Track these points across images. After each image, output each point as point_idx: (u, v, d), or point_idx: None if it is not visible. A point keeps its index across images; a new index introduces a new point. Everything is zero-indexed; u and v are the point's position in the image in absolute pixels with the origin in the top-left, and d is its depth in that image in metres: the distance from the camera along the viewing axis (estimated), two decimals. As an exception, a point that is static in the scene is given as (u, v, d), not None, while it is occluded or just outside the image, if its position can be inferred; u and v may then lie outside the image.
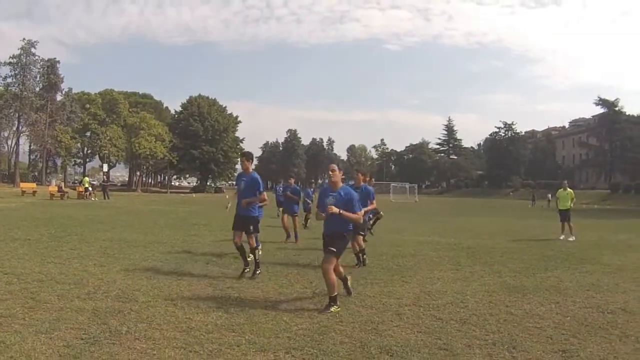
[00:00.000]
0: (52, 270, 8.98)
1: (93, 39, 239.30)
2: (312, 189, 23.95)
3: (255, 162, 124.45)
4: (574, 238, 17.59)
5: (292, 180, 17.52)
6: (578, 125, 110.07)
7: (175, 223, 20.04)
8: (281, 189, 17.96)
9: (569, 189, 19.14)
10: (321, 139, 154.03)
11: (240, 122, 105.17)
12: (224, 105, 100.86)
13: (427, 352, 5.23)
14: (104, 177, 57.58)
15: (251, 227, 9.49)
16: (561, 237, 17.84)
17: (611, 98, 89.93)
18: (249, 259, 9.42)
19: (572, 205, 18.84)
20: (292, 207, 15.95)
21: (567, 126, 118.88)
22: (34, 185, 49.39)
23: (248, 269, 9.26)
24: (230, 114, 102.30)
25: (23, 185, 49.77)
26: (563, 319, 6.80)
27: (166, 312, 6.48)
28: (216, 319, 6.24)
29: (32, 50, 69.73)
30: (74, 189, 47.78)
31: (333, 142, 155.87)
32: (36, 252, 10.90)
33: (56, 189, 41.10)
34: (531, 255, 13.23)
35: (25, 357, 4.61)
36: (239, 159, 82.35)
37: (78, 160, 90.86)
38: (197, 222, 21.05)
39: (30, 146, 76.11)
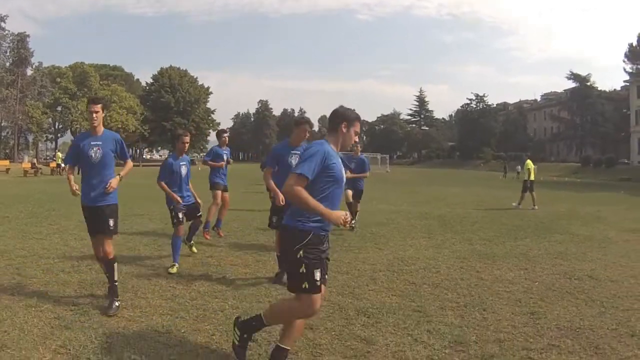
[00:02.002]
0: (34, 245, 9.09)
1: (63, 11, 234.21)
2: None
3: (226, 133, 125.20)
4: (516, 204, 19.24)
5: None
6: (550, 99, 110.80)
7: (151, 195, 20.02)
8: None
9: (530, 161, 20.38)
10: (292, 110, 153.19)
11: (211, 93, 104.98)
12: (195, 77, 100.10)
13: (402, 314, 5.55)
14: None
15: None
16: (535, 207, 18.68)
17: (583, 73, 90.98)
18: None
19: (533, 176, 20.23)
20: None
21: (539, 99, 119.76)
22: (7, 162, 48.57)
23: None
24: (202, 85, 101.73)
25: (-4, 163, 48.97)
26: (532, 284, 7.17)
27: (150, 282, 6.70)
28: (199, 287, 6.50)
29: (2, 24, 68.28)
30: (47, 165, 47.22)
31: (305, 112, 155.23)
32: (16, 229, 10.95)
33: (29, 165, 40.66)
34: (501, 224, 13.66)
35: (18, 330, 4.77)
36: (210, 131, 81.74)
37: (50, 136, 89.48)
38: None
39: (0, 123, 74.73)
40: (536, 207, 18.67)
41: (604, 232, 12.78)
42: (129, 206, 14.77)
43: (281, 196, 6.36)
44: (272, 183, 6.78)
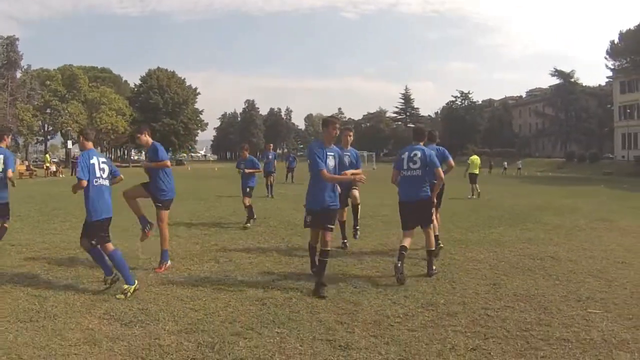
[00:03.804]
0: (53, 239, 10.00)
1: (47, 12, 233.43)
2: (272, 153, 21.83)
3: (213, 133, 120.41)
4: (476, 197, 21.34)
5: (246, 152, 13.70)
6: (534, 95, 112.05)
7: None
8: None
9: (475, 156, 23.33)
10: (279, 109, 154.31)
11: (199, 93, 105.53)
12: (183, 78, 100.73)
13: (383, 285, 6.67)
14: (75, 154, 57.52)
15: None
16: (469, 196, 21.35)
17: (568, 69, 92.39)
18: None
19: (477, 170, 22.83)
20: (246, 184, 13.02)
21: (524, 96, 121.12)
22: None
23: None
24: (189, 85, 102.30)
25: (-10, 166, 49.05)
26: (498, 263, 8.27)
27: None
28: (210, 268, 7.61)
29: (-8, 29, 68.49)
30: (42, 168, 47.67)
31: (291, 111, 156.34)
32: (31, 226, 11.82)
33: (24, 167, 41.27)
34: (479, 215, 14.78)
35: (63, 304, 5.71)
36: (199, 131, 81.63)
37: (40, 138, 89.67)
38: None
39: (-8, 126, 74.48)
40: (473, 196, 21.34)
41: (575, 221, 13.84)
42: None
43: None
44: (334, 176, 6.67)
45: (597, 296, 6.31)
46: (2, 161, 7.57)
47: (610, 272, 7.70)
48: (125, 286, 6.10)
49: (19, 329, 4.91)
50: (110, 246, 6.40)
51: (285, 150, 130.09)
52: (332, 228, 6.55)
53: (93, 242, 6.35)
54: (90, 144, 6.65)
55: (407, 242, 7.21)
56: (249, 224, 12.02)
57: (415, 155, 7.42)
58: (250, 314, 5.39)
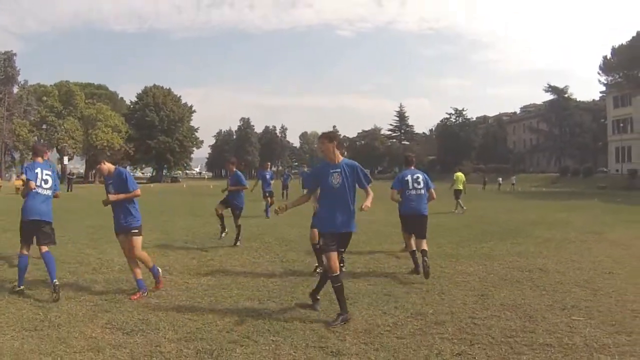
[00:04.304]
0: (53, 252, 10.13)
1: (43, 27, 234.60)
2: (269, 172, 21.04)
3: (208, 150, 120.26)
4: (462, 212, 21.82)
5: (233, 167, 12.73)
6: (529, 111, 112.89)
7: (145, 210, 20.91)
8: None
9: (460, 173, 24.02)
10: (274, 127, 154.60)
11: (194, 111, 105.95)
12: (178, 95, 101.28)
13: (375, 297, 6.90)
14: (70, 170, 57.72)
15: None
16: (454, 211, 22.02)
17: (563, 84, 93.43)
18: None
19: (462, 186, 23.49)
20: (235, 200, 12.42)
21: (518, 112, 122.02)
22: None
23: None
24: (185, 103, 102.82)
25: (-12, 181, 49.25)
26: (487, 275, 8.52)
27: (165, 278, 7.87)
28: (207, 281, 7.82)
29: (-10, 45, 68.87)
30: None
31: (286, 129, 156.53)
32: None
33: (21, 182, 41.30)
34: (471, 230, 15.04)
35: (66, 315, 5.92)
36: (194, 149, 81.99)
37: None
38: (164, 210, 22.25)
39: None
40: (456, 211, 21.99)
41: (565, 234, 14.12)
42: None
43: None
44: None
45: (582, 304, 6.55)
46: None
47: (596, 282, 7.96)
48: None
49: (25, 337, 5.11)
50: (43, 248, 7.10)
51: (280, 167, 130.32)
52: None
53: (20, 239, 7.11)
54: (39, 159, 7.48)
55: (413, 245, 8.83)
56: (238, 243, 11.61)
57: (418, 177, 9.07)
58: (247, 324, 5.61)
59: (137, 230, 7.23)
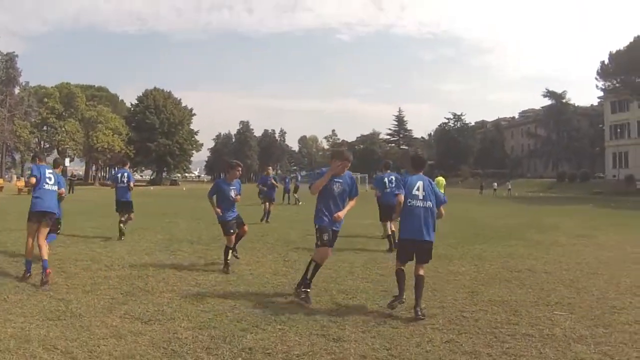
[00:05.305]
0: (65, 251, 10.64)
1: (44, 27, 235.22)
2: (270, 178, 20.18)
3: (207, 153, 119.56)
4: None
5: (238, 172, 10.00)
6: (527, 116, 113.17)
7: (148, 212, 21.46)
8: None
9: (440, 177, 23.75)
10: (273, 130, 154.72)
11: (194, 114, 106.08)
12: (179, 98, 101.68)
13: (372, 293, 7.42)
14: (72, 172, 58.05)
15: None
16: None
17: (561, 89, 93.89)
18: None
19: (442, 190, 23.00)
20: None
21: (517, 117, 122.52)
22: (1, 181, 49.43)
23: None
24: (185, 106, 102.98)
25: (-10, 182, 49.47)
26: (478, 275, 9.02)
27: (175, 275, 8.45)
28: (215, 278, 8.34)
29: (-7, 46, 68.97)
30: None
31: (285, 133, 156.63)
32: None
33: (23, 183, 41.76)
34: (465, 233, 15.51)
35: (85, 306, 6.39)
36: (194, 152, 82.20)
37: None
38: (166, 212, 22.74)
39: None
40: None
41: (556, 237, 14.63)
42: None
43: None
44: None
45: (565, 301, 7.06)
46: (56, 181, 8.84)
47: (581, 281, 8.48)
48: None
49: (49, 325, 5.56)
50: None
51: (279, 172, 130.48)
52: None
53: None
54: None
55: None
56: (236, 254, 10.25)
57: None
58: (255, 315, 6.13)
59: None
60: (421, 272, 6.58)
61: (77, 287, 7.41)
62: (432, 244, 6.75)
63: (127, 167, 14.88)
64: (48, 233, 8.40)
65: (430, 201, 6.70)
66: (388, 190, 12.15)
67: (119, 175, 13.91)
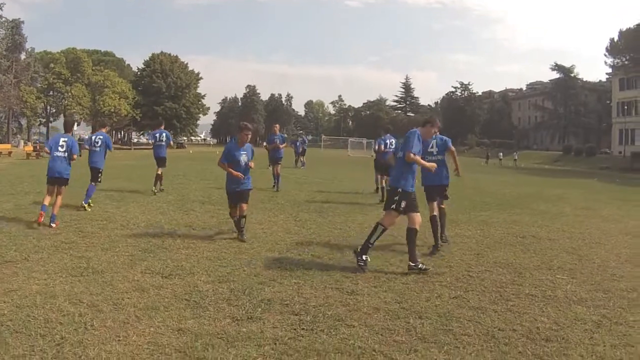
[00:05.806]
0: (79, 212, 10.85)
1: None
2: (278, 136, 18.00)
3: (213, 117, 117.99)
4: None
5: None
6: (535, 88, 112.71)
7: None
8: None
9: None
10: (280, 95, 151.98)
11: (201, 78, 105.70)
12: (185, 62, 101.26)
13: (381, 252, 7.70)
14: (80, 135, 58.17)
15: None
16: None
17: (570, 63, 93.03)
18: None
19: None
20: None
21: (524, 89, 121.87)
22: (9, 146, 49.51)
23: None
24: (192, 70, 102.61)
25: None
26: (484, 239, 9.29)
27: (190, 233, 8.76)
28: (229, 236, 8.64)
29: (-1, 12, 68.46)
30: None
31: (292, 97, 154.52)
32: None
33: (32, 148, 42.11)
34: (471, 200, 15.70)
35: (106, 263, 6.66)
36: (200, 115, 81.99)
37: (43, 120, 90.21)
38: (176, 174, 22.64)
39: (-2, 109, 74.93)
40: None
41: (560, 208, 14.81)
42: (142, 184, 16.51)
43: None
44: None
45: (567, 267, 7.32)
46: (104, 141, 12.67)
47: (583, 250, 8.70)
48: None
49: (73, 281, 5.79)
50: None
51: (285, 135, 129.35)
52: None
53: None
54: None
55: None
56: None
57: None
58: (271, 270, 6.43)
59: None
60: (443, 205, 8.57)
61: (96, 246, 7.66)
62: (447, 186, 8.48)
63: (162, 128, 16.59)
64: (90, 184, 11.78)
65: (441, 154, 8.36)
66: (386, 150, 13.58)
67: (157, 134, 15.94)
